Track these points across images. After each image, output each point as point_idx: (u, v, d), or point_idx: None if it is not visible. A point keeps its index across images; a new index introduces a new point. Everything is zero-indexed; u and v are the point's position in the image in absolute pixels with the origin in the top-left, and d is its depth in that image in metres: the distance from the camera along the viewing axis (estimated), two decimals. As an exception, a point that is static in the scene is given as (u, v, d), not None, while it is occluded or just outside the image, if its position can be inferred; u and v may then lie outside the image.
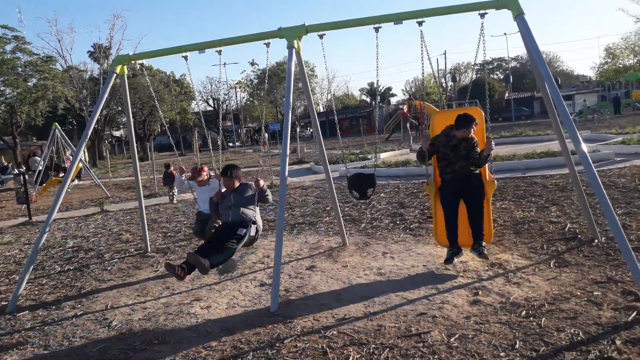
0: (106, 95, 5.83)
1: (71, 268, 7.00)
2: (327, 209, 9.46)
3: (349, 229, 7.64)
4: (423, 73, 5.08)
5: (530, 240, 6.16)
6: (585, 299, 4.18)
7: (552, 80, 4.64)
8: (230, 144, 58.81)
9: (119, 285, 5.94)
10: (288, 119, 4.92)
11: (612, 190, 8.43)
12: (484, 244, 5.23)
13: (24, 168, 24.09)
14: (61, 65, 43.02)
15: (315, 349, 3.68)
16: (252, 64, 55.15)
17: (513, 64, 65.00)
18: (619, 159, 12.51)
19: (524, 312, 4.01)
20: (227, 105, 63.94)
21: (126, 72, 6.10)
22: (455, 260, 5.28)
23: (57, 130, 17.42)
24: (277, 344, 3.81)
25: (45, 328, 4.70)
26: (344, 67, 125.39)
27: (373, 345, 3.65)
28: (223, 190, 5.55)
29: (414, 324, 3.99)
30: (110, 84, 5.90)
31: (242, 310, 4.68)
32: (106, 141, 42.47)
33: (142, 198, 7.46)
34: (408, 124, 31.49)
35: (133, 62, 6.38)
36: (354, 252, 6.38)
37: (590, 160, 4.32)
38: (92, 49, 52.20)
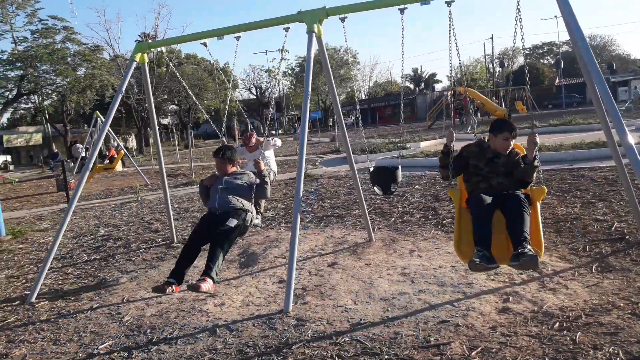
0: (126, 83, 5.74)
1: (97, 257, 7.03)
2: (357, 202, 9.14)
3: (377, 224, 7.33)
4: (450, 56, 4.58)
5: (572, 240, 5.68)
6: (629, 311, 3.74)
7: (593, 60, 4.13)
8: (273, 132, 59.17)
9: (140, 277, 5.88)
10: (306, 108, 4.65)
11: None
12: (528, 248, 3.69)
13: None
14: (109, 54, 44.22)
15: (324, 358, 3.43)
16: (283, 50, 54.54)
17: (564, 48, 62.05)
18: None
19: (557, 324, 3.62)
20: (269, 94, 64.22)
21: (146, 60, 5.98)
22: (481, 263, 3.76)
23: (99, 118, 17.78)
24: (285, 350, 3.59)
25: (60, 321, 4.66)
26: (387, 53, 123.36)
27: (386, 356, 3.36)
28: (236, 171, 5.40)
29: (434, 332, 3.68)
30: (130, 72, 5.80)
31: (255, 309, 4.48)
32: (148, 129, 43.27)
33: (167, 187, 7.39)
34: (472, 108, 30.23)
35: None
36: (380, 248, 6.08)
37: (638, 154, 3.83)
38: (139, 38, 53.41)
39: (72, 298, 5.34)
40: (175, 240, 7.40)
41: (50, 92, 37.71)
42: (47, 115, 41.68)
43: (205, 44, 5.59)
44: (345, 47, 55.50)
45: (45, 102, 40.14)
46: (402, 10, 4.83)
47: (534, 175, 4.27)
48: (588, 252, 5.23)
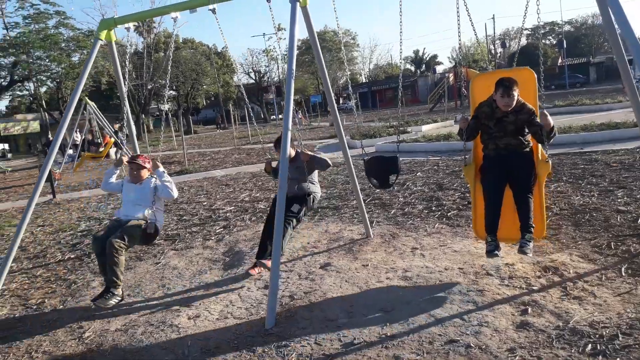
0: (91, 63, 5.10)
1: (72, 257, 6.44)
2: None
3: (376, 216, 6.72)
4: (459, 24, 3.95)
5: (594, 235, 5.06)
6: (675, 328, 3.14)
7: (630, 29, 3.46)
8: (273, 117, 58.30)
9: (113, 281, 5.30)
10: (290, 90, 4.00)
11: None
12: (528, 237, 4.12)
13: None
14: (104, 41, 43.27)
15: (309, 391, 2.85)
16: (279, 29, 52.68)
17: (567, 27, 60.75)
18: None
19: (589, 347, 3.02)
20: (268, 78, 63.22)
21: (114, 38, 5.31)
22: (498, 252, 4.14)
23: (88, 105, 17.06)
24: (263, 380, 3.01)
25: (14, 336, 4.09)
26: (387, 34, 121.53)
27: (384, 389, 2.78)
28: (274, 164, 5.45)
29: (440, 356, 3.08)
30: (95, 52, 5.15)
31: (234, 322, 3.90)
32: (140, 116, 42.53)
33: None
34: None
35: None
36: (378, 246, 5.48)
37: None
38: (137, 23, 52.38)
39: (34, 307, 4.76)
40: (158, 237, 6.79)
41: (45, 79, 36.97)
42: (43, 102, 40.94)
43: (175, 19, 4.93)
44: (344, 29, 54.26)
45: (42, 89, 39.48)
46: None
47: (551, 137, 4.15)
48: (614, 249, 4.62)
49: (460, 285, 4.18)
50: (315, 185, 5.23)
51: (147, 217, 4.71)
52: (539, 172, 4.33)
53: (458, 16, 4.37)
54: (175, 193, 4.89)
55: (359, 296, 4.17)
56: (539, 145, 4.43)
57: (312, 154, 5.14)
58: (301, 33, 4.53)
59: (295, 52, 4.07)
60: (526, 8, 4.09)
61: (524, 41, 67.28)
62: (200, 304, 4.35)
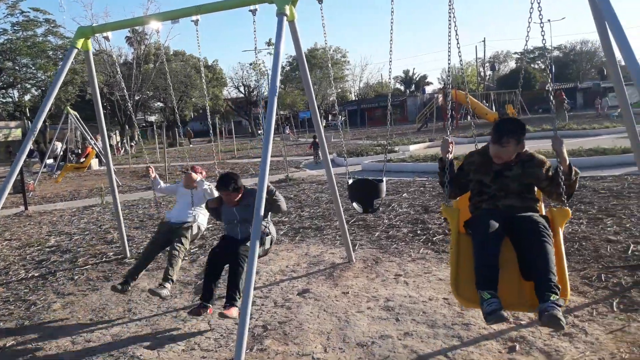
0: (65, 71, 4.81)
1: (36, 275, 6.08)
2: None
3: (359, 239, 6.48)
4: (449, 44, 3.69)
5: (583, 265, 4.87)
6: (674, 374, 2.92)
7: (631, 50, 3.26)
8: (260, 131, 58.04)
9: (77, 303, 4.97)
10: (272, 107, 3.75)
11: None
12: (554, 298, 2.75)
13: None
14: (94, 49, 42.94)
15: None
16: (269, 44, 51.92)
17: (555, 53, 61.71)
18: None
19: (583, 394, 2.79)
20: (258, 92, 63.12)
21: (91, 47, 5.06)
22: (504, 315, 2.83)
23: (70, 115, 16.70)
24: None
25: (-42, 366, 3.75)
26: (378, 54, 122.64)
27: None
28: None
29: (421, 400, 2.83)
30: (70, 60, 4.87)
31: (200, 355, 3.60)
32: (125, 129, 42.12)
33: (117, 195, 6.46)
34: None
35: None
36: (360, 271, 5.22)
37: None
38: (128, 34, 51.98)
39: (-13, 331, 4.41)
40: (129, 255, 6.47)
41: (29, 86, 36.44)
42: (27, 110, 40.29)
43: (157, 31, 4.71)
44: (334, 46, 54.52)
45: (26, 97, 38.85)
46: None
47: (572, 183, 3.19)
48: (604, 282, 4.42)
49: (445, 317, 3.94)
50: (271, 225, 4.53)
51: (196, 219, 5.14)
52: (556, 219, 3.21)
53: (449, 43, 3.87)
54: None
55: (337, 328, 3.89)
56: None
57: (272, 188, 4.28)
58: (290, 48, 4.33)
59: (280, 68, 3.84)
60: (527, 33, 3.62)
61: (512, 64, 68.30)
62: (166, 332, 4.05)
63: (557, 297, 2.74)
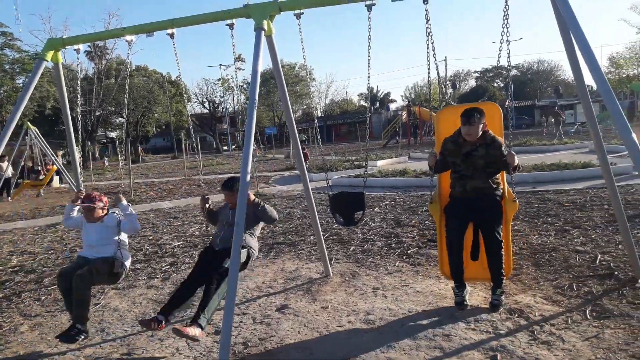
0: (33, 85, 4.65)
1: (0, 296, 5.81)
2: (313, 227, 8.28)
3: (335, 253, 6.47)
4: (428, 53, 3.95)
5: (555, 276, 5.00)
6: (649, 377, 3.02)
7: (599, 68, 3.43)
8: (225, 148, 57.54)
9: (45, 324, 4.76)
10: (252, 120, 3.74)
11: (641, 211, 7.29)
12: (499, 292, 4.20)
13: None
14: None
15: None
16: (238, 59, 51.72)
17: (514, 72, 64.02)
18: (637, 172, 11.37)
19: (566, 400, 2.85)
20: (223, 108, 62.73)
21: (61, 60, 4.92)
22: (467, 300, 4.26)
23: (29, 130, 16.14)
24: None
25: None
26: (343, 71, 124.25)
27: None
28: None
29: (410, 412, 2.82)
30: (39, 73, 4.71)
31: (181, 374, 3.50)
32: (87, 145, 41.04)
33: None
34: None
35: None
36: (338, 286, 5.21)
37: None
38: (88, 48, 50.91)
39: (-52, 356, 4.17)
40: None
41: (-18, 101, 35.09)
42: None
43: (129, 42, 4.62)
44: (300, 62, 54.90)
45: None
46: (369, 7, 4.04)
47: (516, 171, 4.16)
48: (576, 290, 4.55)
49: (425, 329, 3.96)
50: (253, 239, 4.47)
51: (114, 255, 4.29)
52: (507, 211, 4.30)
53: (428, 62, 4.23)
54: (139, 225, 4.60)
55: (319, 342, 3.87)
56: (507, 185, 4.44)
57: (259, 200, 4.48)
58: (266, 62, 4.34)
59: (258, 81, 3.84)
60: (499, 51, 4.39)
61: (473, 83, 70.34)
62: (143, 352, 3.92)
63: (501, 290, 4.17)
